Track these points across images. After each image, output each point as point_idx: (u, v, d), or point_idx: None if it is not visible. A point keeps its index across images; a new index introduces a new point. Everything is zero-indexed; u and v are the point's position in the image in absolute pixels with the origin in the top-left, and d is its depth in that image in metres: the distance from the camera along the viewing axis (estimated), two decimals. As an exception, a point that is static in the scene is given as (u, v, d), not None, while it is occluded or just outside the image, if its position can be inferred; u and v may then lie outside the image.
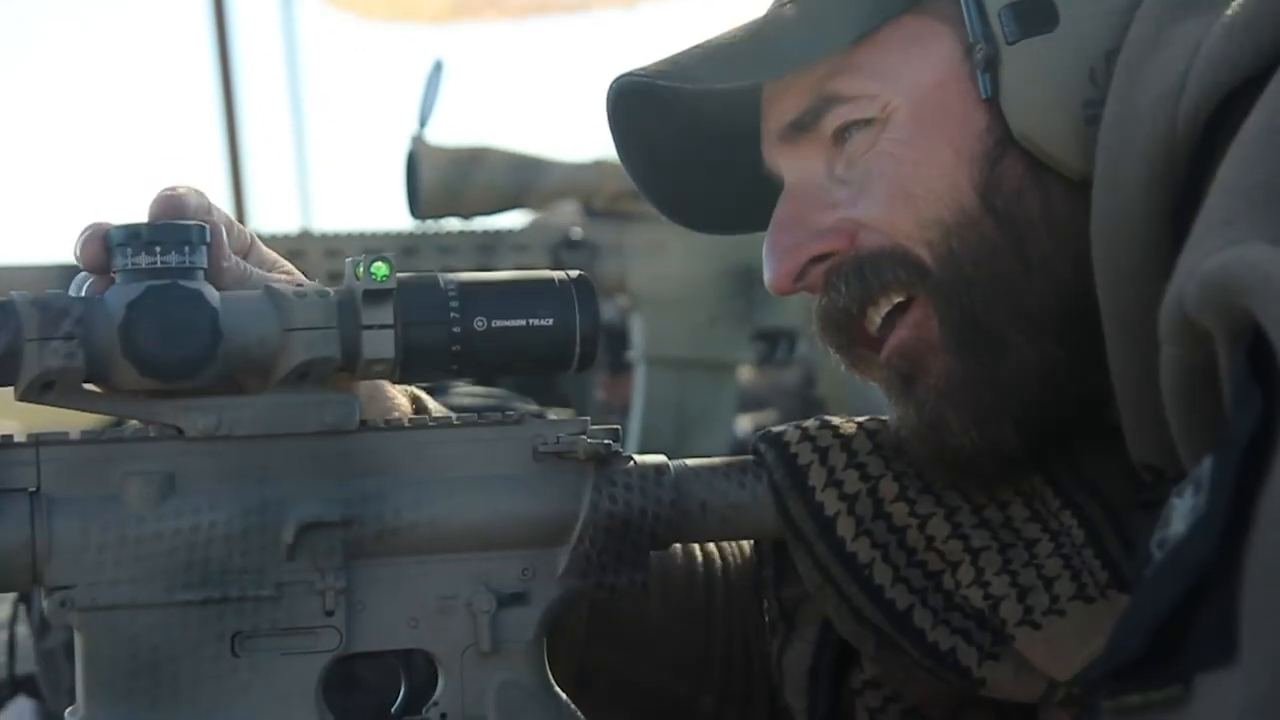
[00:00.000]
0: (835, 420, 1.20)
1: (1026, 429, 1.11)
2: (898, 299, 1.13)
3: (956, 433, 1.11)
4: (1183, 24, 1.03)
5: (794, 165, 1.17)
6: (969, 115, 1.10)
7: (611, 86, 1.16)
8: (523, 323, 1.10)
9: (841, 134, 1.14)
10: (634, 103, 1.17)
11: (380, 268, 1.07)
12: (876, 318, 1.14)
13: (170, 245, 1.04)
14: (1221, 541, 0.76)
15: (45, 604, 1.05)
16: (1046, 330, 1.09)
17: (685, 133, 1.21)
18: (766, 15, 1.17)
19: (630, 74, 1.15)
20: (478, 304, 1.09)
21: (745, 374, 2.91)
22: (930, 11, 1.13)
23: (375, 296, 1.07)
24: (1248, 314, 0.81)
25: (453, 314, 1.09)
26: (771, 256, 1.15)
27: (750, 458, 1.19)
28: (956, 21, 1.11)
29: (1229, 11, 1.00)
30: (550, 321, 1.10)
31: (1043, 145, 1.08)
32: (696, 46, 1.16)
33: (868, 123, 1.13)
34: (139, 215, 1.08)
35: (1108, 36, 1.07)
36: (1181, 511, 0.81)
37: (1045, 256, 1.09)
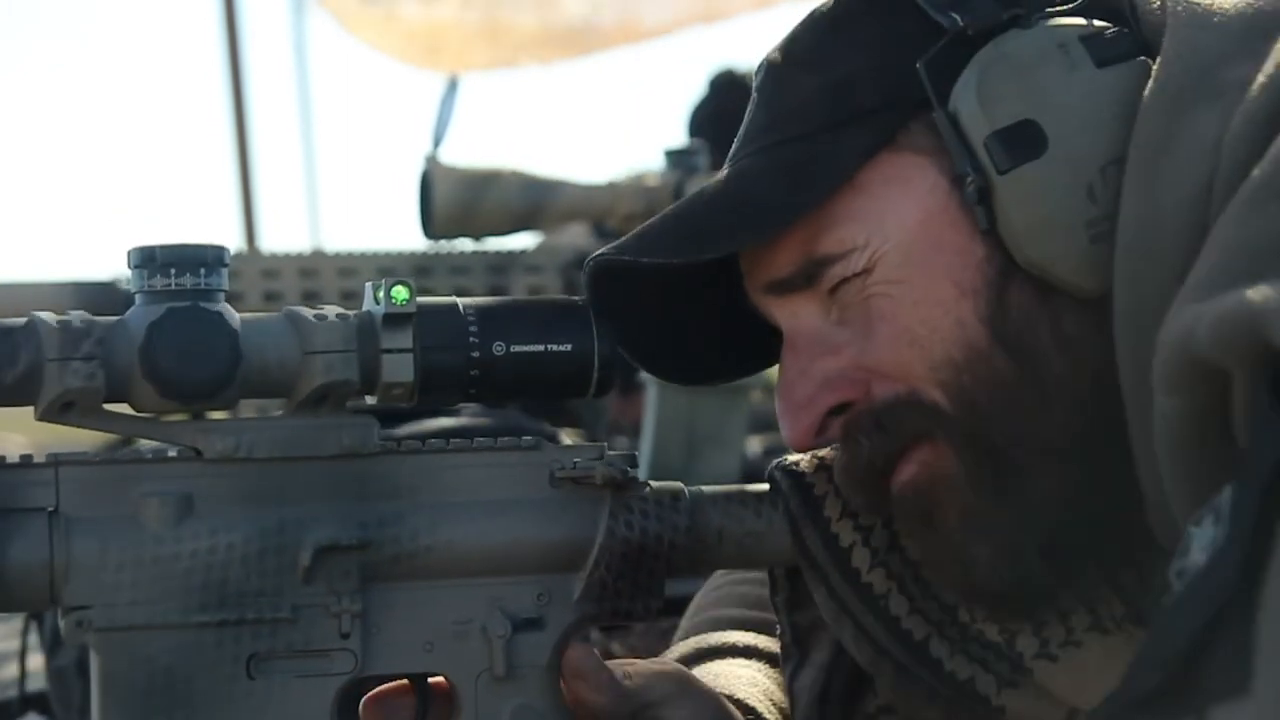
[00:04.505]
0: None
1: (1055, 558, 1.08)
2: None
3: (983, 566, 1.08)
4: (1193, 116, 0.99)
5: (787, 314, 1.13)
6: (965, 247, 1.07)
7: (588, 265, 1.12)
8: (541, 348, 1.10)
9: (835, 288, 1.10)
10: (614, 278, 1.13)
11: (400, 291, 1.07)
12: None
13: (185, 267, 1.05)
14: (1241, 574, 0.76)
15: (62, 624, 1.06)
16: (1068, 455, 1.06)
17: (665, 293, 1.17)
18: (737, 169, 1.13)
19: (607, 253, 1.12)
20: (497, 328, 1.09)
21: (757, 396, 2.90)
22: (907, 146, 1.09)
23: (395, 320, 1.07)
24: (1268, 347, 0.81)
25: (472, 338, 1.09)
26: (787, 415, 1.11)
27: (766, 486, 1.18)
28: (936, 152, 1.08)
29: (1244, 105, 0.97)
30: (569, 347, 1.11)
31: (1050, 270, 1.04)
32: (672, 214, 1.13)
33: (856, 274, 1.09)
34: (155, 235, 1.09)
35: (1101, 151, 1.04)
36: (1201, 542, 0.81)
37: (1061, 379, 1.06)
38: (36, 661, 2.14)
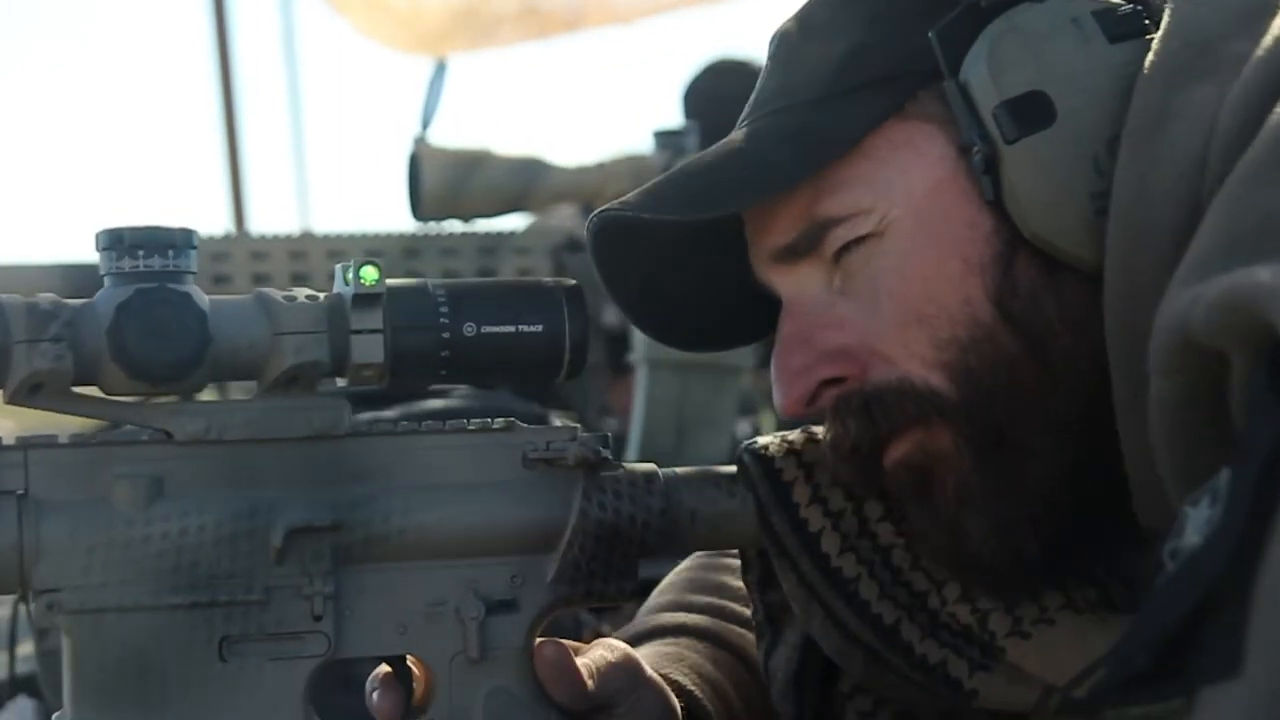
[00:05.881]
0: (821, 432, 1.19)
1: (1048, 536, 1.07)
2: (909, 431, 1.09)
3: (975, 539, 1.08)
4: (1190, 91, 0.99)
5: (790, 283, 1.12)
6: (973, 219, 1.06)
7: (593, 221, 1.12)
8: (512, 329, 1.10)
9: (839, 252, 1.10)
10: (617, 234, 1.13)
11: (369, 272, 1.06)
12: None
13: (153, 249, 1.04)
14: (1235, 555, 0.76)
15: (33, 607, 1.05)
16: (1070, 433, 1.06)
17: (668, 256, 1.17)
18: (746, 131, 1.13)
19: (612, 209, 1.12)
20: (467, 309, 1.09)
21: (747, 378, 2.90)
22: (915, 114, 1.09)
23: (364, 301, 1.07)
24: (1267, 328, 0.80)
25: (442, 319, 1.08)
26: (781, 380, 1.11)
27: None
28: (945, 121, 1.07)
29: (1241, 78, 0.96)
30: (540, 328, 1.10)
31: (1056, 243, 1.04)
32: (678, 172, 1.13)
33: (864, 238, 1.09)
34: (139, 217, 1.09)
35: (1107, 124, 1.03)
36: (1196, 522, 0.80)
37: (1066, 356, 1.05)
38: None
